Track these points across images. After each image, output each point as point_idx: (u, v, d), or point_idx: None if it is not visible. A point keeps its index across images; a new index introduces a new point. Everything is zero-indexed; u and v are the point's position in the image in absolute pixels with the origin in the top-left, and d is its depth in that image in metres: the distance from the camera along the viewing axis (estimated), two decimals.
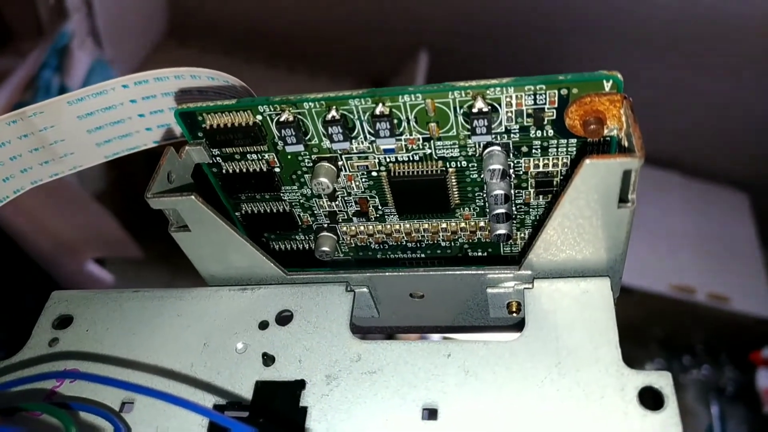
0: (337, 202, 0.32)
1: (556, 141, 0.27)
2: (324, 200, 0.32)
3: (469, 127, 0.27)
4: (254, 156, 0.30)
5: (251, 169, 0.30)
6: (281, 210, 0.32)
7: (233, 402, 0.27)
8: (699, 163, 1.44)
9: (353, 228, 0.33)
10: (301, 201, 0.32)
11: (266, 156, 0.30)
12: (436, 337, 0.73)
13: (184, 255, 0.31)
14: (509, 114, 0.26)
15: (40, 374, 0.28)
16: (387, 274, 0.30)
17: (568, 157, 0.28)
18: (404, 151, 0.28)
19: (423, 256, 0.34)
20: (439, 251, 0.34)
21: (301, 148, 0.29)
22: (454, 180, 0.29)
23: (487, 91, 0.25)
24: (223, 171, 0.31)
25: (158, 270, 1.23)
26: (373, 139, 0.28)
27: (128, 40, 1.23)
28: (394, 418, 0.25)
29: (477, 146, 0.28)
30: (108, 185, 1.22)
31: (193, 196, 0.27)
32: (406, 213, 0.32)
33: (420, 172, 0.29)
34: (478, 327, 0.33)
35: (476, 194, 0.30)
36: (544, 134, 0.27)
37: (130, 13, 1.22)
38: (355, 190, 0.31)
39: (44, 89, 0.97)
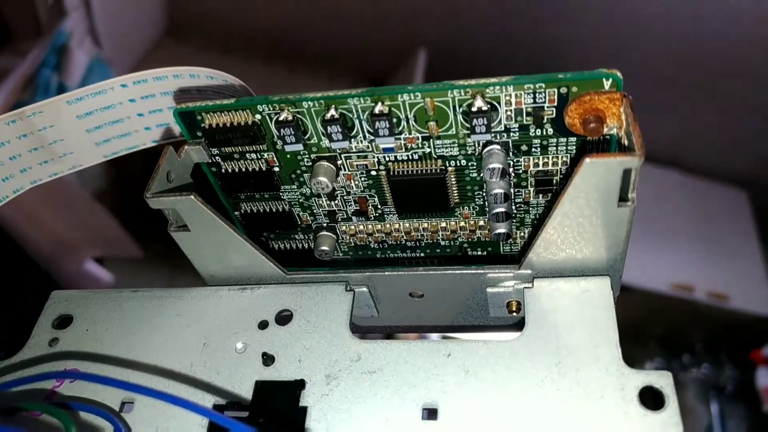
0: (336, 202, 0.32)
1: (555, 139, 0.27)
2: (323, 199, 0.32)
3: (468, 125, 0.26)
4: (253, 155, 0.30)
5: (250, 169, 0.30)
6: (280, 209, 0.32)
7: (233, 402, 0.27)
8: (699, 161, 1.44)
9: (353, 227, 0.33)
10: (301, 200, 0.32)
11: (265, 155, 0.30)
12: (435, 336, 0.73)
13: (183, 254, 0.31)
14: (509, 113, 0.26)
15: (40, 374, 0.28)
16: (386, 273, 0.30)
17: (568, 155, 0.28)
18: (403, 150, 0.28)
19: (422, 255, 0.34)
20: (438, 250, 0.34)
21: (300, 147, 0.28)
22: (453, 179, 0.29)
23: (487, 90, 0.25)
24: (222, 170, 0.31)
25: (158, 269, 1.23)
26: (372, 138, 0.28)
27: (126, 39, 1.23)
28: (393, 417, 0.25)
29: (476, 145, 0.28)
30: (107, 184, 1.22)
31: (192, 196, 0.27)
32: (406, 212, 0.32)
33: (419, 171, 0.29)
34: (478, 326, 0.33)
35: (476, 193, 0.30)
36: (544, 133, 0.27)
37: (128, 12, 1.22)
38: (355, 189, 0.31)
39: (43, 88, 0.97)
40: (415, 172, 0.29)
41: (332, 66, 1.37)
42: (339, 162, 0.29)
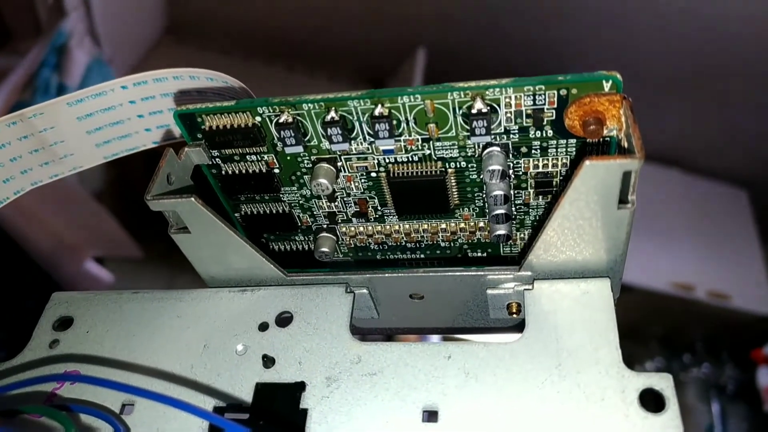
0: (336, 203, 0.32)
1: (555, 141, 0.27)
2: (323, 201, 0.32)
3: (468, 127, 0.26)
4: (253, 157, 0.30)
5: (251, 171, 0.30)
6: (281, 211, 0.32)
7: (233, 404, 0.27)
8: (699, 160, 1.44)
9: (353, 229, 0.33)
10: (301, 202, 0.32)
11: (265, 157, 0.30)
12: (436, 338, 0.74)
13: (183, 255, 0.31)
14: (508, 115, 0.26)
15: (40, 376, 0.28)
16: (387, 275, 0.30)
17: (568, 157, 0.28)
18: (403, 151, 0.28)
19: (422, 256, 0.34)
20: (438, 252, 0.34)
21: (300, 149, 0.28)
22: (453, 180, 0.29)
23: (487, 92, 0.25)
24: (223, 172, 0.31)
25: (158, 269, 1.23)
26: (372, 140, 0.28)
27: (126, 39, 1.23)
28: (394, 420, 0.25)
29: (476, 147, 0.28)
30: (108, 185, 1.22)
31: (192, 198, 0.27)
32: (406, 213, 0.32)
33: (419, 173, 0.29)
34: (478, 328, 0.33)
35: (476, 195, 0.30)
36: (544, 135, 0.27)
37: (128, 12, 1.22)
38: (355, 190, 0.31)
39: (43, 88, 0.97)
40: (415, 173, 0.29)
41: (332, 66, 1.37)
42: (339, 164, 0.29)
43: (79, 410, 0.27)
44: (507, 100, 0.25)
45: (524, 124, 0.26)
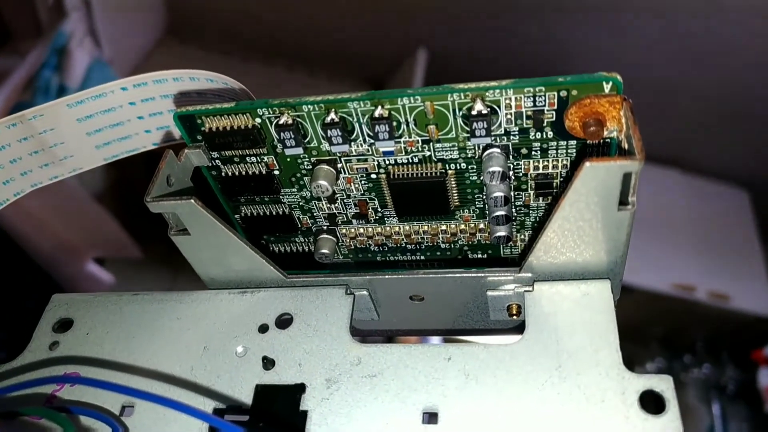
0: (336, 205, 0.32)
1: (555, 143, 0.27)
2: (323, 202, 0.32)
3: (468, 129, 0.26)
4: (253, 159, 0.30)
5: (250, 172, 0.30)
6: (280, 212, 0.32)
7: (233, 406, 0.27)
8: (699, 160, 1.44)
9: (353, 230, 0.33)
10: (301, 203, 0.32)
11: (265, 159, 0.30)
12: (436, 340, 0.73)
13: (183, 256, 0.31)
14: (509, 116, 0.26)
15: (40, 378, 0.28)
16: (387, 276, 0.30)
17: (568, 159, 0.28)
18: (403, 153, 0.28)
19: (423, 258, 0.34)
20: (438, 253, 0.34)
21: (300, 150, 0.28)
22: (453, 182, 0.29)
23: (487, 93, 0.25)
24: (223, 174, 0.31)
25: (158, 270, 1.23)
26: (372, 141, 0.28)
27: (127, 40, 1.23)
28: (394, 421, 0.25)
29: (476, 148, 0.28)
30: (108, 186, 1.22)
31: (192, 200, 0.27)
32: (406, 215, 0.32)
33: (419, 175, 0.29)
34: (479, 330, 0.33)
35: (476, 196, 0.30)
36: (544, 136, 0.27)
37: (128, 13, 1.22)
38: (355, 192, 0.31)
39: (43, 89, 0.97)
40: (415, 175, 0.29)
41: (331, 66, 1.37)
42: (339, 165, 0.29)
43: (78, 412, 0.27)
44: (507, 101, 0.25)
45: (524, 125, 0.26)
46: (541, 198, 0.30)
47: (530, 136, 0.27)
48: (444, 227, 0.32)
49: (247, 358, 0.28)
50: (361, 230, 0.33)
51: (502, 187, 0.28)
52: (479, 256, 0.33)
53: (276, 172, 0.30)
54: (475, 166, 0.29)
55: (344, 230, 0.33)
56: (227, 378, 0.28)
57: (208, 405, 0.27)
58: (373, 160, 0.29)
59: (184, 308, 0.31)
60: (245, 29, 1.32)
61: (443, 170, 0.29)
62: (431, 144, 0.28)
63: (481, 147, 0.28)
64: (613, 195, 0.24)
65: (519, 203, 0.30)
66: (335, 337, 0.28)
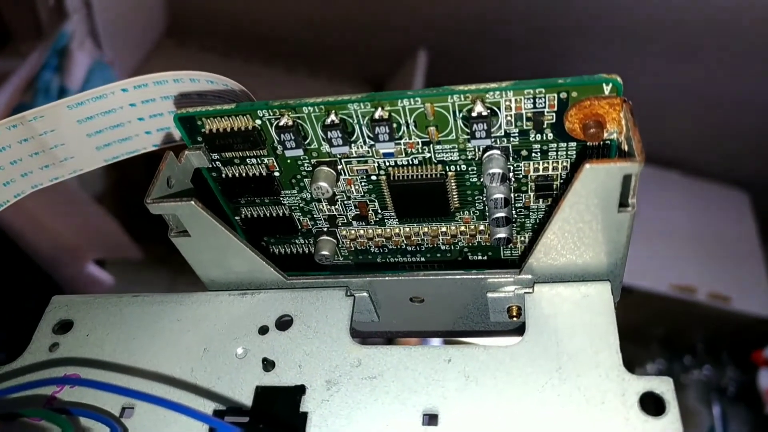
0: (336, 206, 0.32)
1: (555, 144, 0.27)
2: (323, 204, 0.32)
3: (468, 131, 0.26)
4: (254, 160, 0.30)
5: (251, 174, 0.30)
6: (281, 214, 0.32)
7: (233, 407, 0.27)
8: (699, 162, 1.44)
9: (353, 232, 0.33)
10: (301, 205, 0.32)
11: (266, 160, 0.30)
12: (436, 341, 0.73)
13: (183, 257, 0.31)
14: (509, 118, 0.26)
15: (40, 380, 0.28)
16: (387, 278, 0.30)
17: (568, 160, 0.28)
18: (404, 155, 0.28)
19: (423, 259, 0.34)
20: (439, 255, 0.34)
21: (300, 152, 0.29)
22: (453, 184, 0.29)
23: (487, 95, 0.25)
24: (223, 175, 0.31)
25: (158, 271, 1.23)
26: (372, 143, 0.28)
27: (127, 41, 1.23)
28: (394, 423, 0.25)
29: (476, 150, 0.28)
30: (108, 187, 1.22)
31: (192, 202, 0.27)
32: (406, 217, 0.32)
33: (419, 176, 0.29)
34: (479, 331, 0.33)
35: (476, 198, 0.30)
36: (544, 138, 0.27)
37: (129, 14, 1.22)
38: (355, 194, 0.31)
39: (44, 90, 0.97)
40: (415, 176, 0.29)
41: (332, 67, 1.37)
42: (339, 167, 0.29)
43: (78, 413, 0.27)
44: (507, 103, 0.25)
45: (524, 127, 0.26)
46: (541, 200, 0.30)
47: (530, 138, 0.27)
48: (444, 229, 0.32)
49: (247, 359, 0.28)
50: (362, 232, 0.33)
51: (502, 189, 0.28)
52: (479, 257, 0.33)
53: (276, 174, 0.30)
54: (475, 168, 0.29)
55: (344, 232, 0.33)
56: (227, 379, 0.28)
57: (208, 406, 0.27)
58: (374, 162, 0.29)
59: (184, 310, 0.31)
60: (246, 30, 1.32)
61: (443, 172, 0.29)
62: (431, 146, 0.28)
63: (481, 149, 0.28)
64: (613, 197, 0.24)
65: (519, 205, 0.30)
66: (335, 339, 0.28)
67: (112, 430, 0.26)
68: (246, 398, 0.27)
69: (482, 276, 0.29)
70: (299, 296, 0.30)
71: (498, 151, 0.27)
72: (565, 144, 0.27)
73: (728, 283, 1.28)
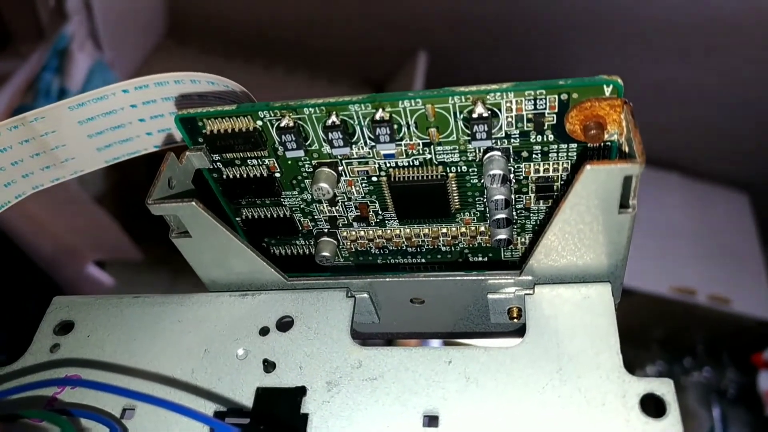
0: (337, 207, 0.32)
1: (556, 146, 0.27)
2: (324, 205, 0.32)
3: (469, 132, 0.27)
4: (254, 161, 0.30)
5: (252, 175, 0.30)
6: (281, 215, 0.32)
7: (234, 409, 0.27)
8: (699, 163, 1.44)
9: (353, 233, 0.33)
10: (302, 206, 0.32)
11: (266, 161, 0.30)
12: (436, 343, 0.73)
13: (184, 258, 0.31)
14: (509, 119, 0.26)
15: (41, 381, 0.28)
16: (387, 279, 0.30)
17: (569, 162, 0.28)
18: (404, 156, 0.28)
19: (423, 261, 0.34)
20: (439, 256, 0.34)
21: (301, 153, 0.29)
22: (454, 185, 0.29)
23: (487, 96, 0.25)
24: (224, 176, 0.31)
25: (159, 272, 1.23)
26: (373, 144, 0.28)
27: (128, 42, 1.23)
28: (395, 424, 0.25)
29: (477, 151, 0.28)
30: (109, 188, 1.22)
31: (193, 203, 0.27)
32: (407, 218, 0.32)
33: (420, 177, 0.29)
34: (479, 333, 0.33)
35: (476, 199, 0.30)
36: (545, 139, 0.27)
37: (129, 15, 1.22)
38: (356, 195, 0.31)
39: (44, 91, 0.97)
40: (415, 178, 0.29)
41: (332, 69, 1.37)
42: (340, 168, 0.29)
43: (79, 415, 0.27)
44: (508, 104, 0.26)
45: (525, 128, 0.26)
46: (541, 201, 0.30)
47: (531, 139, 0.27)
48: (445, 230, 0.32)
49: (248, 360, 0.28)
50: (362, 233, 0.33)
51: (502, 190, 0.28)
52: (480, 259, 0.33)
53: (277, 175, 0.30)
54: (475, 169, 0.29)
55: (345, 233, 0.33)
56: (228, 381, 0.28)
57: (208, 408, 0.27)
58: (374, 163, 0.29)
59: (184, 311, 0.31)
60: (246, 32, 1.33)
61: (444, 173, 0.29)
62: (432, 147, 0.28)
63: (481, 150, 0.28)
64: (614, 198, 0.24)
65: (519, 206, 0.30)
66: (336, 340, 0.28)
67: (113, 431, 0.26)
68: (247, 399, 0.27)
69: (483, 277, 0.29)
70: (300, 297, 0.30)
71: (499, 153, 0.27)
72: (566, 145, 0.27)
73: (728, 285, 1.28)
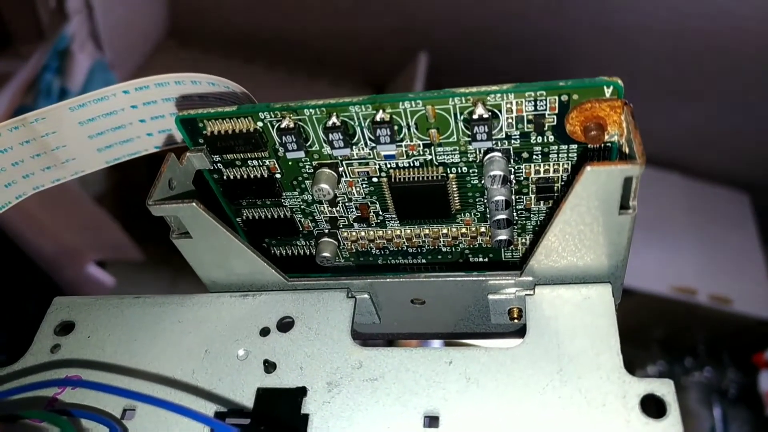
0: (337, 208, 0.32)
1: (556, 147, 0.27)
2: (325, 206, 0.32)
3: (469, 133, 0.27)
4: (255, 162, 0.30)
5: (252, 176, 0.30)
6: (282, 216, 0.32)
7: (234, 409, 0.27)
8: (699, 163, 1.44)
9: (354, 234, 0.33)
10: (302, 207, 0.32)
11: (267, 162, 0.30)
12: (437, 343, 0.73)
13: (184, 258, 0.31)
14: (510, 120, 0.26)
15: (41, 382, 0.28)
16: (388, 280, 0.30)
17: (569, 163, 0.28)
18: (405, 157, 0.28)
19: (424, 261, 0.34)
20: (440, 257, 0.34)
21: (301, 154, 0.29)
22: (454, 186, 0.29)
23: (488, 98, 0.25)
24: (224, 177, 0.31)
25: (160, 273, 1.23)
26: (373, 145, 0.28)
27: (128, 43, 1.23)
28: (395, 425, 0.25)
29: (477, 152, 0.28)
30: (109, 188, 1.22)
31: (194, 203, 0.27)
32: (407, 218, 0.32)
33: (421, 178, 0.29)
34: (480, 333, 0.33)
35: (477, 200, 0.30)
36: (545, 140, 0.27)
37: (130, 16, 1.23)
38: (356, 195, 0.31)
39: (45, 92, 0.97)
40: (416, 179, 0.29)
41: (332, 70, 1.37)
42: (340, 169, 0.29)
43: (80, 415, 0.27)
44: (508, 105, 0.26)
45: (525, 129, 0.26)
46: (542, 202, 0.30)
47: (531, 140, 0.27)
48: (445, 231, 0.32)
49: (249, 361, 0.28)
50: (363, 234, 0.33)
51: (503, 191, 0.28)
52: (480, 259, 0.33)
53: (278, 176, 0.30)
54: (476, 170, 0.29)
55: (345, 234, 0.33)
56: (228, 381, 0.28)
57: (209, 408, 0.27)
58: (375, 164, 0.29)
59: (185, 311, 0.31)
60: (247, 33, 1.33)
61: (444, 174, 0.29)
62: (432, 148, 0.28)
63: (482, 151, 0.28)
64: (614, 199, 0.24)
65: (520, 207, 0.30)
66: (336, 341, 0.28)
67: None
68: (247, 400, 0.27)
69: (483, 278, 0.29)
70: (300, 298, 0.30)
71: (499, 154, 0.27)
72: (566, 146, 0.27)
73: (729, 285, 1.28)
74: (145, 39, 1.31)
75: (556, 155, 0.27)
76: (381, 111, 0.26)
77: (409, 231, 0.32)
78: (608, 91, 0.24)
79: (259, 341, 0.29)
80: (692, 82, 1.24)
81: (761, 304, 1.27)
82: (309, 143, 0.28)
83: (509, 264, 0.34)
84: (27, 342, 0.31)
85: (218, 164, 0.30)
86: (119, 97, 0.29)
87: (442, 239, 0.32)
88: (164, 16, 1.32)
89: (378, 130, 0.27)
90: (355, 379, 0.27)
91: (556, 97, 0.25)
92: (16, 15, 1.08)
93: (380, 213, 0.32)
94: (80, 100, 0.29)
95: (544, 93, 0.25)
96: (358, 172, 0.29)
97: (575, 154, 0.27)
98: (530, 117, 0.26)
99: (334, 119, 0.27)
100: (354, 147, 0.28)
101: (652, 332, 1.41)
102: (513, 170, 0.28)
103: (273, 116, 0.27)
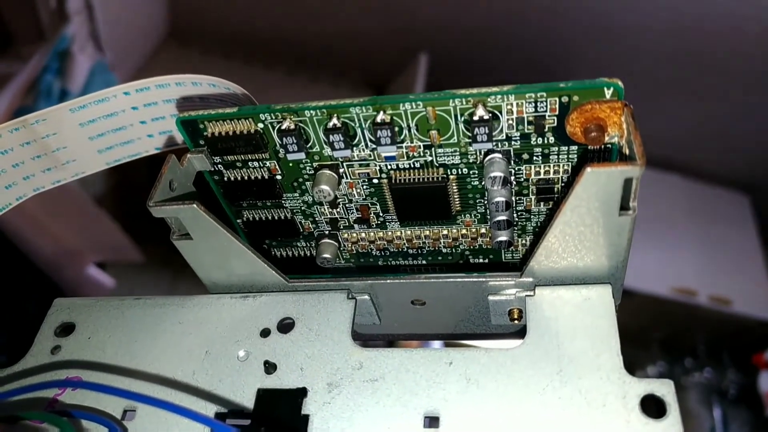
0: (338, 209, 0.32)
1: (557, 148, 0.27)
2: (325, 207, 0.32)
3: (470, 134, 0.27)
4: (256, 164, 0.30)
5: (253, 177, 0.30)
6: (282, 217, 0.32)
7: (235, 410, 0.27)
8: (700, 165, 1.44)
9: (354, 235, 0.33)
10: (303, 208, 0.32)
11: (267, 164, 0.30)
12: (437, 344, 0.73)
13: (185, 259, 0.31)
14: (510, 121, 0.26)
15: (41, 383, 0.28)
16: (388, 281, 0.30)
17: (569, 164, 0.28)
18: (405, 158, 0.28)
19: (424, 262, 0.34)
20: (440, 258, 0.34)
21: (302, 155, 0.29)
22: (455, 187, 0.30)
23: (488, 99, 0.25)
24: (225, 179, 0.31)
25: (160, 274, 1.23)
26: (374, 146, 0.28)
27: (129, 44, 1.23)
28: (395, 425, 0.25)
29: (478, 153, 0.28)
30: (109, 189, 1.22)
31: (194, 205, 0.27)
32: (407, 220, 0.32)
33: (421, 180, 0.29)
34: (480, 334, 0.33)
35: (477, 201, 0.30)
36: (545, 141, 0.27)
37: (130, 17, 1.23)
38: (357, 197, 0.31)
39: (45, 93, 0.97)
40: (416, 180, 0.29)
41: (333, 71, 1.37)
42: (341, 170, 0.29)
43: (80, 416, 0.27)
44: (508, 107, 0.26)
45: (526, 130, 0.26)
46: (542, 203, 0.30)
47: (531, 142, 0.27)
48: (445, 232, 0.32)
49: (249, 362, 0.28)
50: (363, 235, 0.33)
51: (503, 192, 0.28)
52: (480, 260, 0.33)
53: (278, 177, 0.30)
54: (476, 171, 0.29)
55: (346, 235, 0.33)
56: (229, 382, 0.28)
57: (209, 409, 0.27)
58: (375, 165, 0.29)
59: (185, 312, 0.31)
60: (247, 34, 1.33)
61: (445, 175, 0.29)
62: (433, 149, 0.28)
63: (482, 152, 0.28)
64: (614, 200, 0.24)
65: (520, 208, 0.30)
66: (337, 342, 0.28)
67: None
68: (248, 401, 0.27)
69: (483, 279, 0.29)
70: (301, 299, 0.30)
71: (499, 155, 0.27)
72: (567, 147, 0.27)
73: (729, 286, 1.28)
74: (145, 39, 1.31)
75: (556, 156, 0.27)
76: (382, 112, 0.26)
77: (409, 232, 0.32)
78: (608, 93, 0.24)
79: (259, 342, 0.29)
80: (692, 82, 1.24)
81: (761, 304, 1.27)
82: (309, 145, 0.28)
83: (509, 265, 0.34)
84: (27, 343, 0.31)
85: (219, 165, 0.30)
86: (120, 99, 0.29)
87: (442, 240, 0.32)
88: (164, 16, 1.32)
89: (379, 132, 0.27)
90: (356, 380, 0.27)
91: (557, 99, 0.25)
92: (16, 16, 1.08)
93: (381, 214, 0.32)
94: (81, 101, 0.29)
95: (545, 94, 0.25)
96: (359, 174, 0.29)
97: (575, 156, 0.27)
98: (531, 118, 0.26)
99: (334, 121, 0.27)
100: (354, 148, 0.28)
101: (652, 333, 1.41)
102: (513, 171, 0.28)
103: (274, 118, 0.27)
